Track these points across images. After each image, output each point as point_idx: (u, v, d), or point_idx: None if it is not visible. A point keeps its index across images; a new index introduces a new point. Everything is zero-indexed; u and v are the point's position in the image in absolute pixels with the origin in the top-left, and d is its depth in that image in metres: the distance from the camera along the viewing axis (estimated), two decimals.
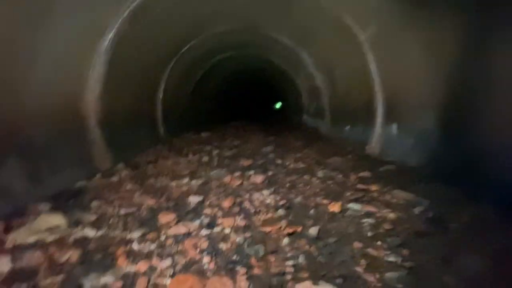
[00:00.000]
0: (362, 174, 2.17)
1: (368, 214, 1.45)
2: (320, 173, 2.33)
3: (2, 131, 1.96)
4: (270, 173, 2.39)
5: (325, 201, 1.71)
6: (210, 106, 8.37)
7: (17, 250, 1.37)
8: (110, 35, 2.90)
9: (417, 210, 1.42)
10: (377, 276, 0.96)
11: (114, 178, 2.60)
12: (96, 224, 1.65)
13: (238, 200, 1.79)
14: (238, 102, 11.26)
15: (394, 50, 2.49)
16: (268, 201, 1.75)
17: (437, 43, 1.91)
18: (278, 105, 12.54)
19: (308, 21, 3.56)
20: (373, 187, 1.83)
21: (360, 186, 1.91)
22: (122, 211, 1.82)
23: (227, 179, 2.30)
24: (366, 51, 2.84)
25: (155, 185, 2.34)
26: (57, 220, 1.68)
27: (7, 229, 1.55)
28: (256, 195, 1.84)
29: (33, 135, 2.21)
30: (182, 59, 4.91)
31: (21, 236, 1.48)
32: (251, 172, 2.41)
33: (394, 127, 2.66)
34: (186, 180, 2.38)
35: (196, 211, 1.68)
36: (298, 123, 6.74)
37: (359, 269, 1.01)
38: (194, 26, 4.27)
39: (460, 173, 1.70)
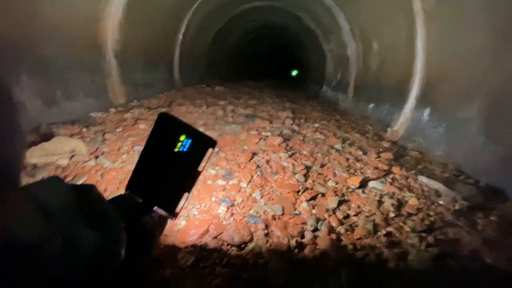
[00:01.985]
0: (383, 154, 2.08)
1: (390, 195, 1.38)
2: (338, 146, 2.24)
3: (15, 43, 1.84)
4: (287, 138, 2.30)
5: (344, 175, 1.64)
6: (227, 60, 8.01)
7: (30, 168, 1.35)
8: None
9: (442, 200, 1.35)
10: (400, 256, 0.93)
11: (128, 115, 2.54)
12: (110, 156, 1.62)
13: (255, 158, 1.73)
14: (256, 60, 10.76)
15: (451, 27, 2.21)
16: (285, 164, 1.69)
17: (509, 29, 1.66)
18: (294, 72, 12.01)
19: None
20: (396, 170, 1.75)
21: (381, 166, 1.83)
22: (136, 148, 1.79)
23: (243, 136, 2.22)
24: (418, 23, 2.54)
25: None
26: (72, 144, 1.65)
27: None
28: (273, 156, 1.77)
29: (48, 55, 2.09)
30: (207, 2, 4.51)
31: (35, 154, 1.46)
32: (268, 133, 2.33)
33: (426, 112, 2.49)
34: (200, 129, 2.31)
35: (211, 161, 1.64)
36: (317, 93, 6.46)
37: (381, 247, 0.97)
38: None
39: (493, 170, 1.59)
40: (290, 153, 1.89)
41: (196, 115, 2.99)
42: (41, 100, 2.00)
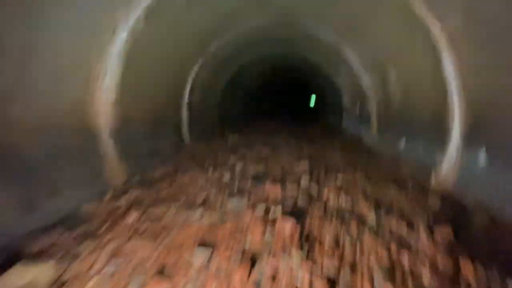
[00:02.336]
0: (439, 229, 1.50)
1: None
2: (372, 219, 1.71)
3: None
4: (302, 213, 1.83)
5: (386, 285, 1.11)
6: (241, 105, 7.96)
7: None
8: (123, 35, 2.55)
9: None
10: None
11: (123, 200, 2.27)
12: (77, 282, 1.28)
13: (256, 268, 1.27)
14: (270, 102, 10.71)
15: (488, 48, 1.73)
16: (298, 278, 1.20)
17: None
18: (312, 101, 11.66)
19: (359, 9, 2.85)
20: (465, 265, 1.18)
21: (441, 258, 1.27)
22: (113, 262, 1.45)
23: (246, 218, 1.80)
24: (441, 48, 2.09)
25: (161, 218, 1.93)
26: (30, 275, 1.34)
27: None
28: (282, 262, 1.30)
29: (26, 156, 1.93)
30: (209, 58, 4.51)
31: None
32: (278, 210, 1.87)
33: (481, 154, 1.90)
34: (198, 212, 1.95)
35: (196, 282, 1.21)
36: (337, 128, 5.98)
37: None
38: (222, 21, 3.81)
39: None
40: (306, 249, 1.41)
41: (200, 185, 2.67)
42: (17, 208, 1.79)
